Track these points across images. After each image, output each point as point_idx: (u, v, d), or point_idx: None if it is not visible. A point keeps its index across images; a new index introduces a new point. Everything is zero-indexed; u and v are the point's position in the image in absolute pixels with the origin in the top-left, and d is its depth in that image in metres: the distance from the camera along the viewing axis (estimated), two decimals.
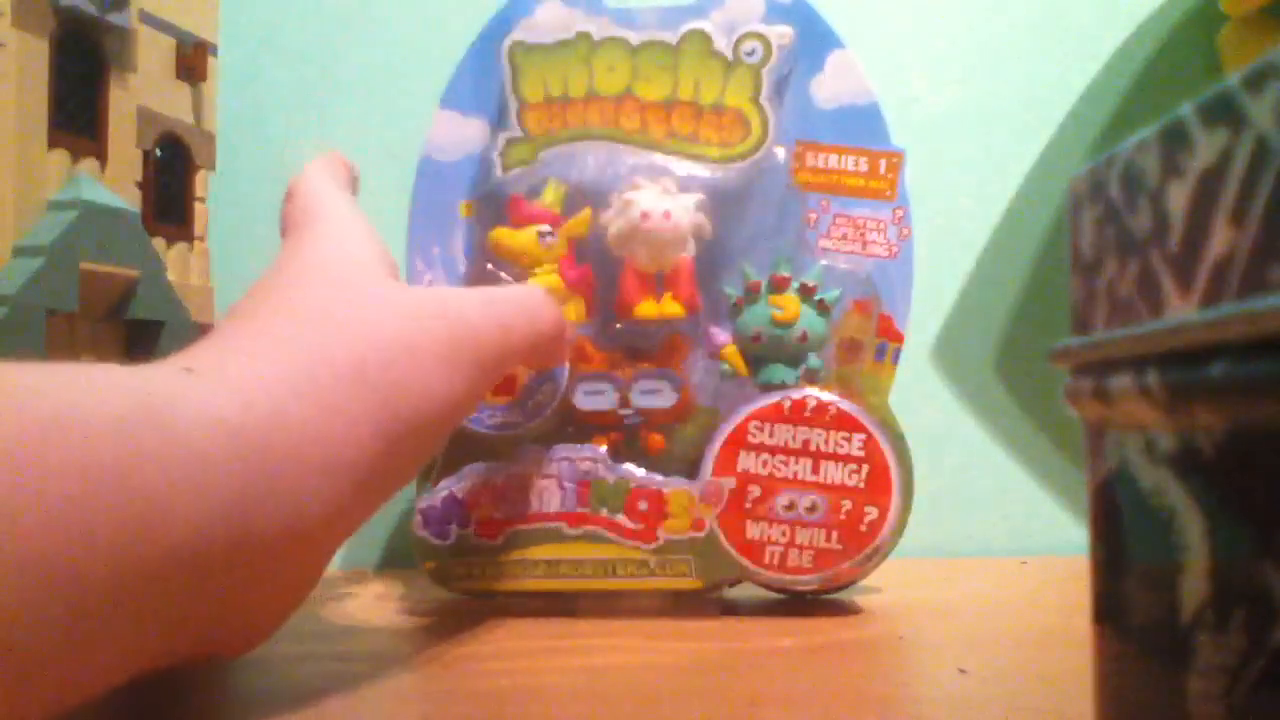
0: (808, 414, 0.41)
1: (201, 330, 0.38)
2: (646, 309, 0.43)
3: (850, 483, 0.40)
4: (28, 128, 0.30)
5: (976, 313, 0.62)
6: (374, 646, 0.37)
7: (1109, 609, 0.18)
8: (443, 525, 0.43)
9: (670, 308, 0.43)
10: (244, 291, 0.31)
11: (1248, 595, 0.13)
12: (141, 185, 0.36)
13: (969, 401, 0.61)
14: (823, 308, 0.43)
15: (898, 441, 0.41)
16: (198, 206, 0.40)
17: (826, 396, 0.41)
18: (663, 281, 0.44)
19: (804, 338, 0.42)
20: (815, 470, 0.41)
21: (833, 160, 0.44)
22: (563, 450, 0.43)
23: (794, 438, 0.41)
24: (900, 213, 0.44)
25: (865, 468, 0.40)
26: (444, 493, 0.43)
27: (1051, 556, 0.55)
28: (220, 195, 0.42)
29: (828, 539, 0.40)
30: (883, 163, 0.44)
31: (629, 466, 0.42)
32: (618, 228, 0.43)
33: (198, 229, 0.40)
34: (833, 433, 0.41)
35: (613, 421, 0.43)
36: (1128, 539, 0.17)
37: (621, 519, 0.42)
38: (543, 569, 0.42)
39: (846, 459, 0.41)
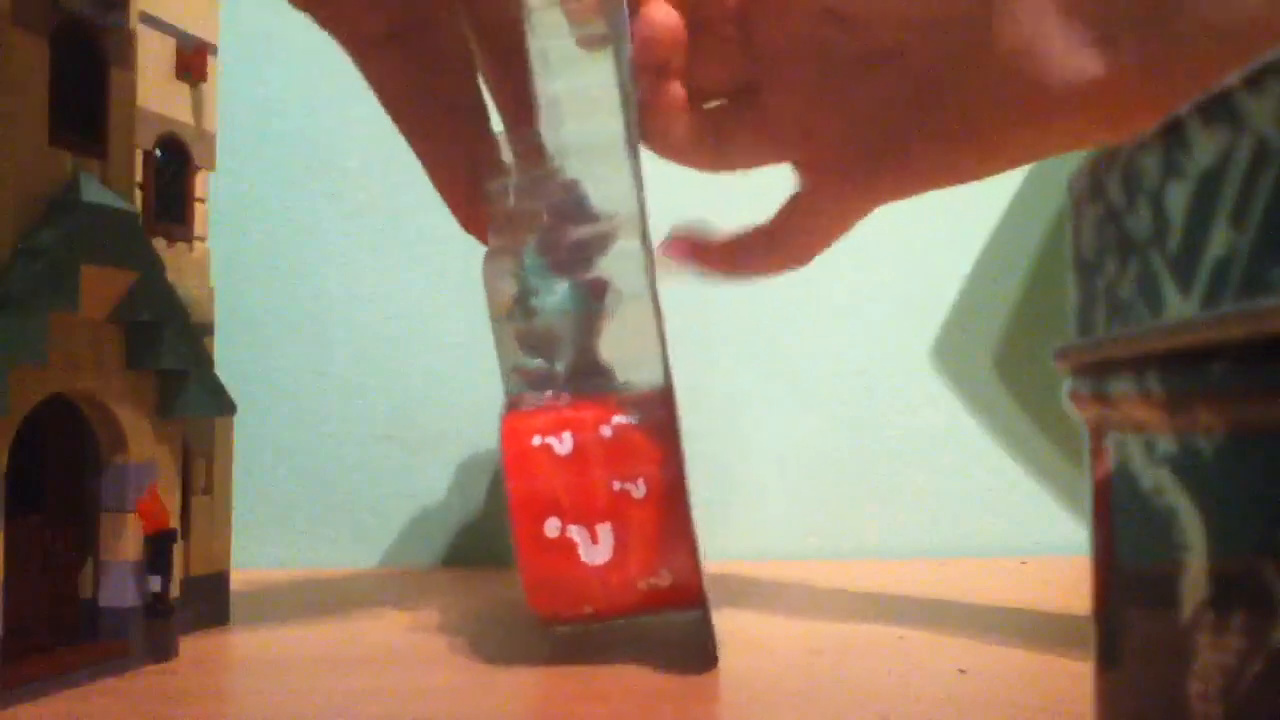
0: None
1: (201, 330, 0.38)
2: None
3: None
4: (28, 128, 0.30)
5: (976, 313, 0.61)
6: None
7: (1109, 609, 0.18)
8: None
9: None
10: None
11: (1248, 595, 0.13)
12: (141, 185, 0.36)
13: (969, 401, 0.61)
14: None
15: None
16: (198, 206, 0.40)
17: None
18: None
19: None
20: None
21: None
22: None
23: None
24: None
25: None
26: None
27: (1051, 556, 0.55)
28: (220, 195, 0.42)
29: None
30: None
31: None
32: None
33: (198, 229, 0.40)
34: None
35: None
36: (1128, 539, 0.17)
37: None
38: None
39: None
